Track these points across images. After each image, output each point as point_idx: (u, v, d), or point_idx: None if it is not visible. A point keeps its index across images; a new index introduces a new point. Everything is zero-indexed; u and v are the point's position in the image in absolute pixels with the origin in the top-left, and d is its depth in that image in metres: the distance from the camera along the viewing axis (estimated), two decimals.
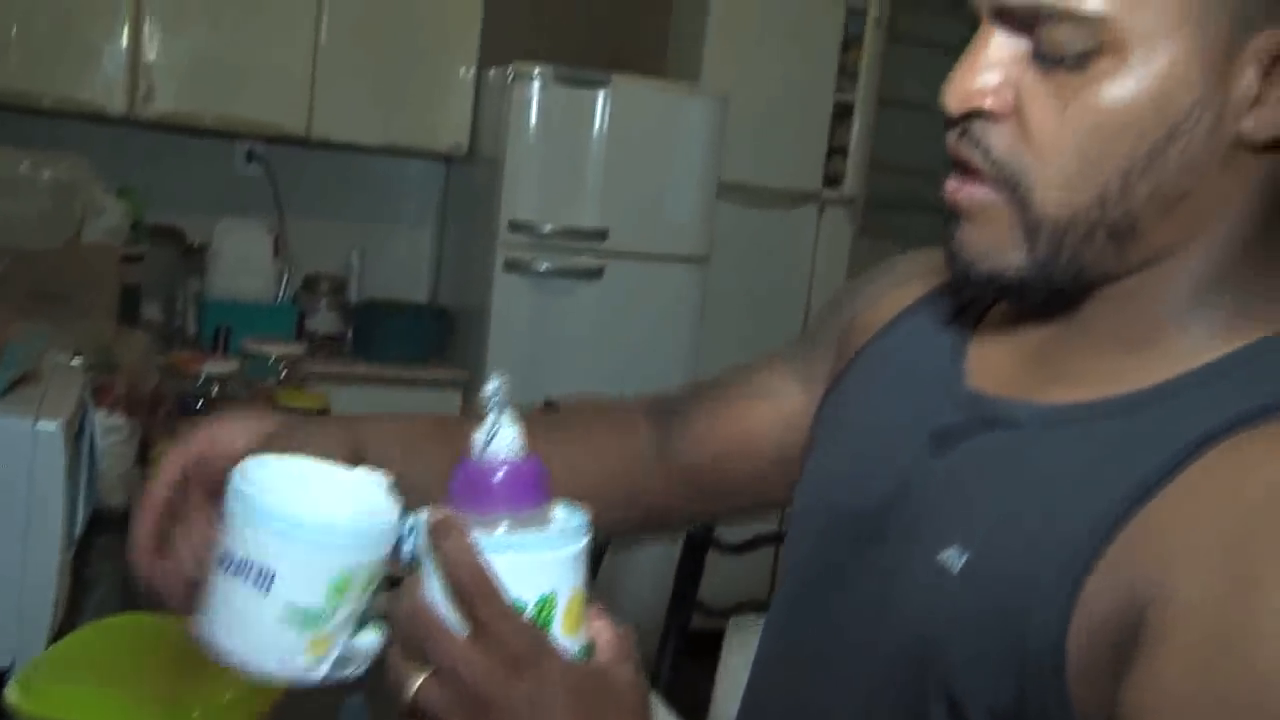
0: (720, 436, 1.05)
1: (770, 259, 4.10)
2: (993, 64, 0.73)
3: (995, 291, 0.78)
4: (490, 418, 0.68)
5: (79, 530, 1.59)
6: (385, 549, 0.70)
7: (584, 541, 0.69)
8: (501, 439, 0.68)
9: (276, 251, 3.68)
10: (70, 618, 1.46)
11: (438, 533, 0.66)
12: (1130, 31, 0.69)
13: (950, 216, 0.78)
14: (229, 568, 0.68)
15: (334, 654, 0.69)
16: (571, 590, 0.69)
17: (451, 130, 3.75)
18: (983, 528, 0.77)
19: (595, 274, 3.54)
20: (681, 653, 2.01)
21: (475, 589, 0.65)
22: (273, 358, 2.41)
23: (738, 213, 3.97)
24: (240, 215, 3.72)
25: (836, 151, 4.20)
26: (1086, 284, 0.77)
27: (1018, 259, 0.75)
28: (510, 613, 0.65)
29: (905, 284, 0.98)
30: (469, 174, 3.88)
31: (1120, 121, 0.70)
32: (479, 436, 0.68)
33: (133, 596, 1.78)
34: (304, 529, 0.67)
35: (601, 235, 3.52)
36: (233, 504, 0.69)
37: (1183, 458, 0.70)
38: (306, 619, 0.68)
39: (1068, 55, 0.70)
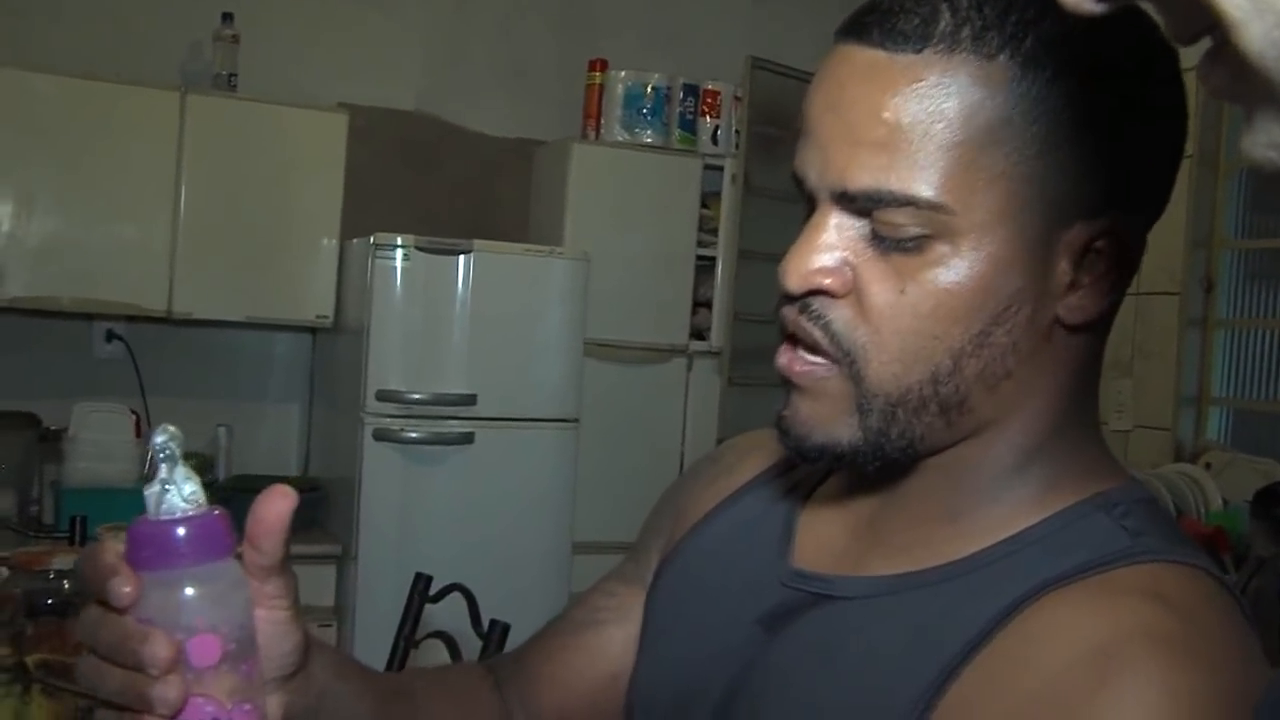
0: (576, 675, 1.01)
1: (642, 414, 4.13)
2: (831, 245, 0.75)
3: (829, 462, 0.79)
4: (162, 471, 0.65)
5: None
6: None
7: None
8: (177, 492, 0.65)
9: (138, 433, 3.60)
10: None
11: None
12: (962, 220, 0.72)
13: (784, 389, 0.79)
14: None
15: None
16: None
17: (316, 302, 3.73)
18: (819, 704, 0.77)
19: (465, 440, 3.53)
20: None
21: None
22: None
23: (607, 370, 4.00)
24: (101, 397, 3.63)
25: (701, 304, 4.28)
26: (916, 455, 0.78)
27: (850, 431, 0.77)
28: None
29: (731, 471, 0.99)
30: (335, 345, 3.86)
31: (954, 304, 0.73)
32: (153, 490, 0.65)
33: None
34: None
35: (470, 401, 3.52)
36: None
37: (992, 626, 0.72)
38: None
39: (904, 238, 0.73)
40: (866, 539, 0.83)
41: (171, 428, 0.65)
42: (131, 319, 3.75)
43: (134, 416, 3.60)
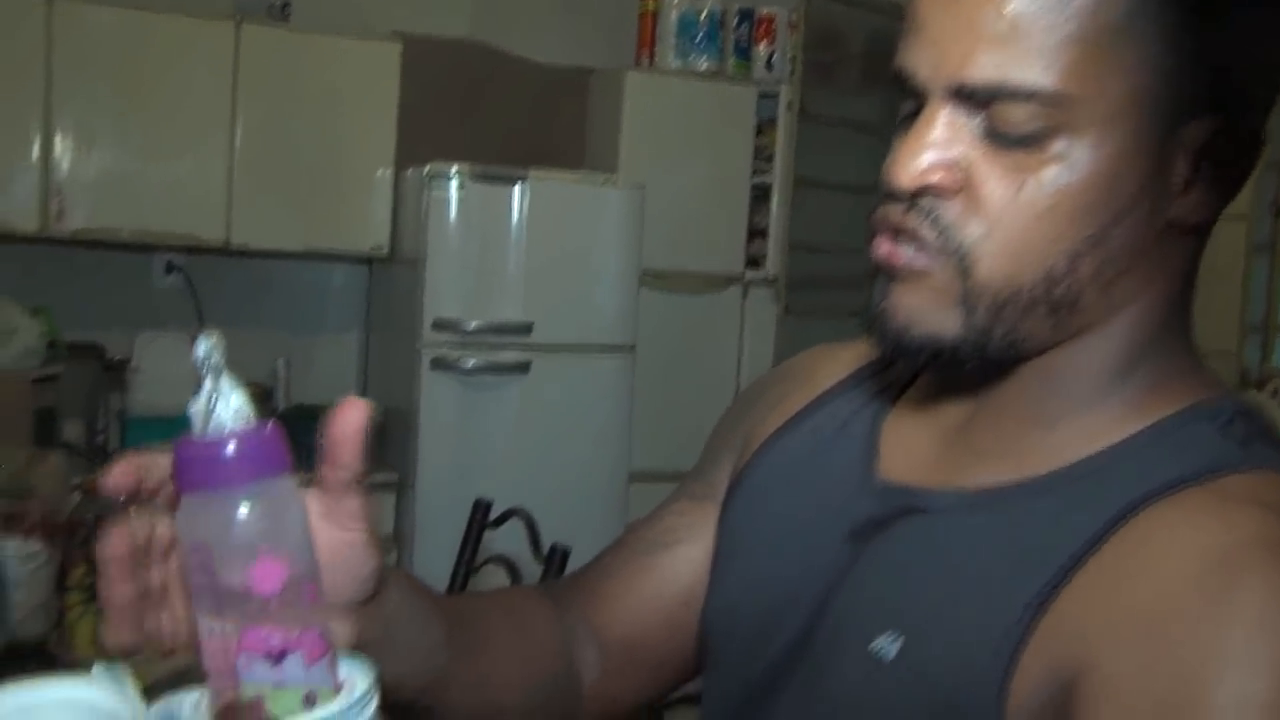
0: (647, 597, 0.99)
1: (697, 343, 4.12)
2: (943, 141, 0.73)
3: (926, 359, 0.77)
4: (207, 384, 0.60)
5: None
6: None
7: (375, 702, 0.63)
8: (225, 406, 0.60)
9: None
10: None
11: None
12: (1084, 115, 0.70)
13: (880, 280, 0.77)
14: None
15: None
16: None
17: (371, 232, 3.74)
18: (914, 613, 0.76)
19: (522, 369, 3.53)
20: None
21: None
22: None
23: (662, 299, 3.99)
24: (161, 328, 3.67)
25: (757, 233, 4.25)
26: (1017, 356, 0.77)
27: (954, 325, 0.74)
28: None
29: (803, 385, 0.97)
30: (391, 275, 3.87)
31: (1073, 202, 0.71)
32: (198, 408, 0.60)
33: None
34: None
35: (526, 329, 3.52)
36: None
37: (1104, 532, 0.70)
38: None
39: (1023, 134, 0.70)
40: (958, 447, 0.82)
41: (214, 335, 0.60)
42: (190, 250, 3.77)
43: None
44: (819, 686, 0.81)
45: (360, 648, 0.73)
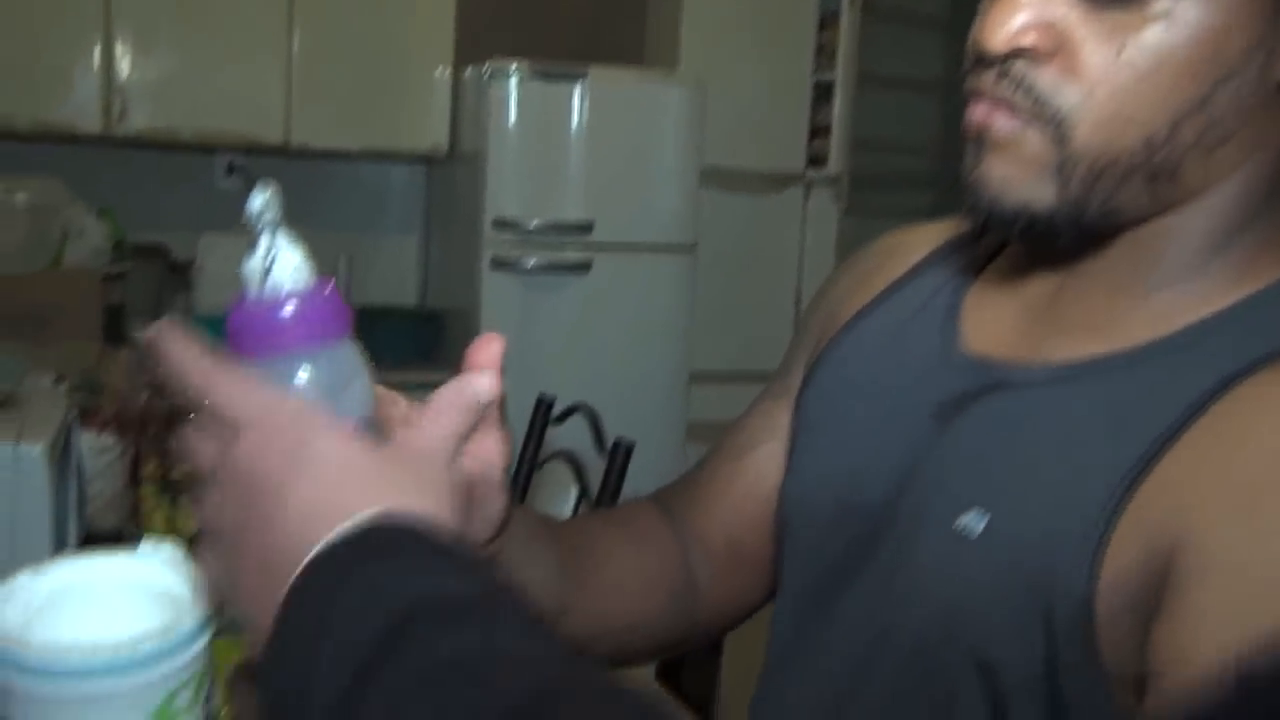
0: (741, 499, 1.00)
1: (758, 243, 4.08)
2: (1034, 1, 0.70)
3: (1020, 229, 0.74)
4: (263, 241, 0.56)
5: (70, 554, 1.57)
6: (200, 648, 0.58)
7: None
8: (283, 265, 0.56)
9: None
10: None
11: (154, 347, 0.56)
12: None
13: (972, 148, 0.74)
14: None
15: None
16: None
17: (431, 131, 3.73)
18: (1000, 489, 0.75)
19: (583, 268, 3.52)
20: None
21: (195, 375, 0.56)
22: None
23: (723, 198, 3.95)
24: (224, 229, 3.69)
25: (819, 132, 4.18)
26: (1113, 225, 0.74)
27: (1048, 194, 0.72)
28: (231, 376, 0.56)
29: (883, 266, 0.96)
30: (451, 175, 3.86)
31: (1176, 63, 0.68)
32: (254, 265, 0.56)
33: None
34: (92, 675, 0.54)
35: (587, 228, 3.50)
36: (6, 681, 0.55)
37: (1202, 403, 0.68)
38: None
39: None
40: (1045, 321, 0.80)
41: (271, 187, 0.56)
42: (250, 151, 3.78)
43: None
44: (902, 564, 0.80)
45: None
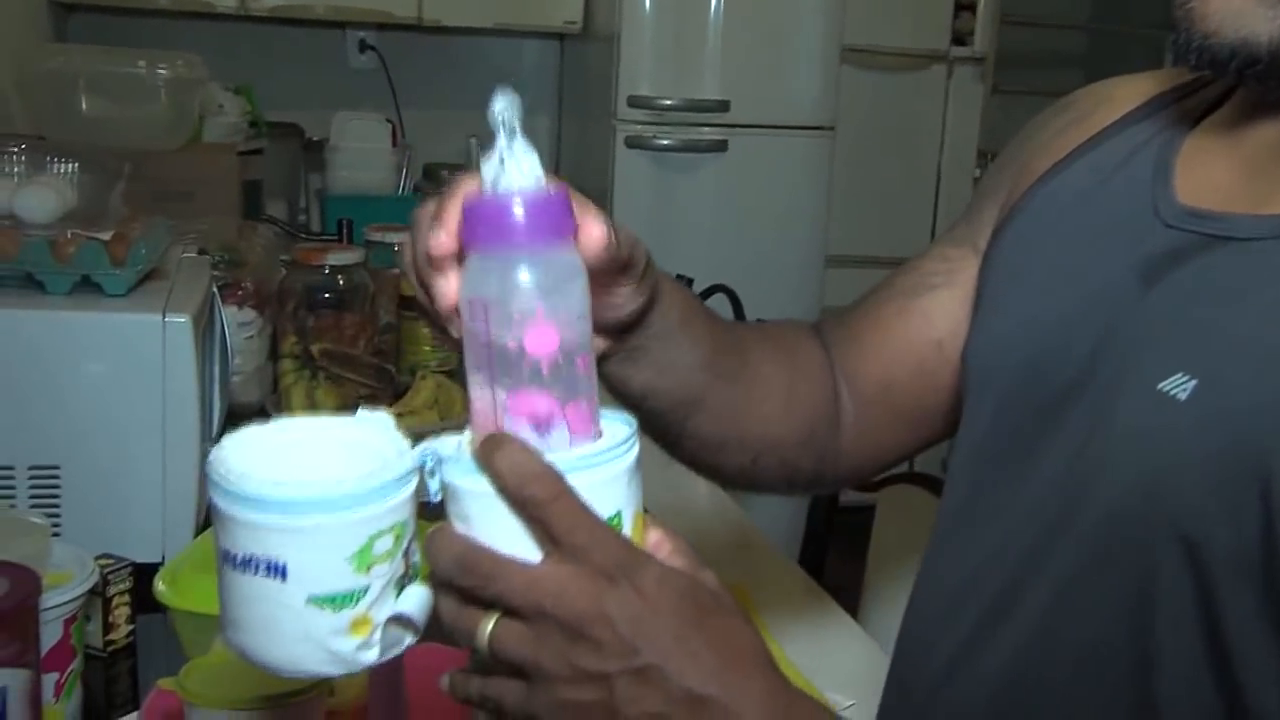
0: (902, 340, 0.96)
1: (898, 124, 3.95)
2: None
3: (1238, 65, 0.67)
4: (500, 142, 0.60)
5: (216, 427, 1.58)
6: (405, 499, 0.60)
7: (636, 450, 0.62)
8: (517, 166, 0.60)
9: (395, 142, 3.65)
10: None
11: (486, 449, 0.58)
12: None
13: None
14: (234, 565, 0.59)
15: (379, 630, 0.60)
16: (635, 506, 0.62)
17: (564, 7, 3.65)
18: (1212, 352, 0.69)
19: (719, 147, 3.44)
20: (826, 531, 1.95)
21: (549, 498, 0.57)
22: (397, 245, 2.37)
23: (863, 77, 3.83)
24: (357, 107, 3.68)
25: (963, 8, 4.01)
26: None
27: (1271, 27, 0.65)
28: (592, 519, 0.58)
29: (1087, 116, 0.89)
30: (585, 52, 3.79)
31: None
32: (489, 166, 0.60)
33: None
34: (302, 509, 0.57)
35: (723, 107, 3.41)
36: (215, 498, 0.59)
37: None
38: (337, 603, 0.59)
39: None
40: (1270, 174, 0.73)
41: (511, 93, 0.60)
42: (383, 28, 3.75)
43: (390, 125, 3.64)
44: (1100, 426, 0.75)
45: (614, 353, 0.75)
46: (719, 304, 2.41)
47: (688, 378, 0.85)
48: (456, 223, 0.63)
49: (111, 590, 1.20)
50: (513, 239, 0.59)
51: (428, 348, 2.17)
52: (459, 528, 0.61)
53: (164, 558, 1.31)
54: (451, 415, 1.84)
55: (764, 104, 3.46)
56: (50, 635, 1.02)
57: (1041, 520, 0.78)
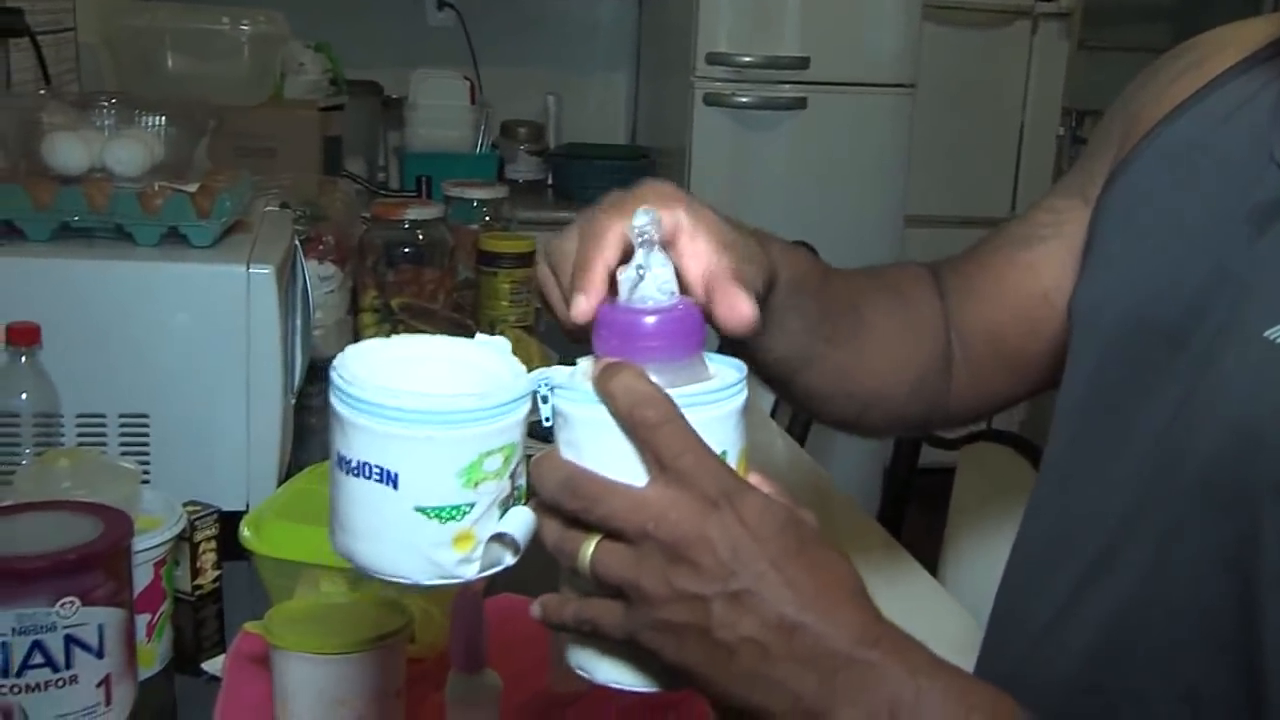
0: (1010, 289, 0.96)
1: (982, 82, 3.89)
2: None
3: None
4: (639, 255, 0.62)
5: (298, 379, 1.60)
6: (516, 421, 0.62)
7: (745, 395, 0.63)
8: (653, 279, 0.62)
9: (473, 100, 3.65)
10: (296, 463, 1.47)
11: (606, 375, 0.60)
12: None
13: None
14: (348, 470, 0.61)
15: (481, 546, 0.62)
16: (741, 448, 0.63)
17: None
18: None
19: (797, 105, 3.40)
20: (905, 491, 1.94)
21: (660, 421, 0.59)
22: (476, 201, 2.38)
23: (945, 33, 3.77)
24: (435, 65, 3.69)
25: None
26: None
27: None
28: (700, 444, 0.59)
29: (1202, 63, 0.87)
30: (663, 7, 3.76)
31: None
32: (627, 276, 0.63)
33: None
34: (417, 420, 0.59)
35: (803, 64, 3.37)
36: (336, 402, 0.61)
37: None
38: (443, 516, 0.61)
39: None
40: None
41: (653, 210, 0.62)
42: None
43: (468, 83, 3.65)
44: (1205, 373, 0.74)
45: None
46: None
47: (797, 340, 0.87)
48: (597, 292, 0.65)
49: (199, 536, 1.22)
50: (642, 352, 0.62)
51: (505, 303, 2.18)
52: (566, 454, 0.62)
53: (248, 506, 1.33)
54: (530, 369, 1.85)
55: (844, 61, 3.42)
56: (142, 577, 1.04)
57: (1143, 473, 0.77)
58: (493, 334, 0.69)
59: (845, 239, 3.14)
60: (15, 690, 0.89)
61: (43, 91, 2.11)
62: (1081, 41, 4.00)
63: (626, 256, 0.65)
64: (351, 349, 0.64)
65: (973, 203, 3.86)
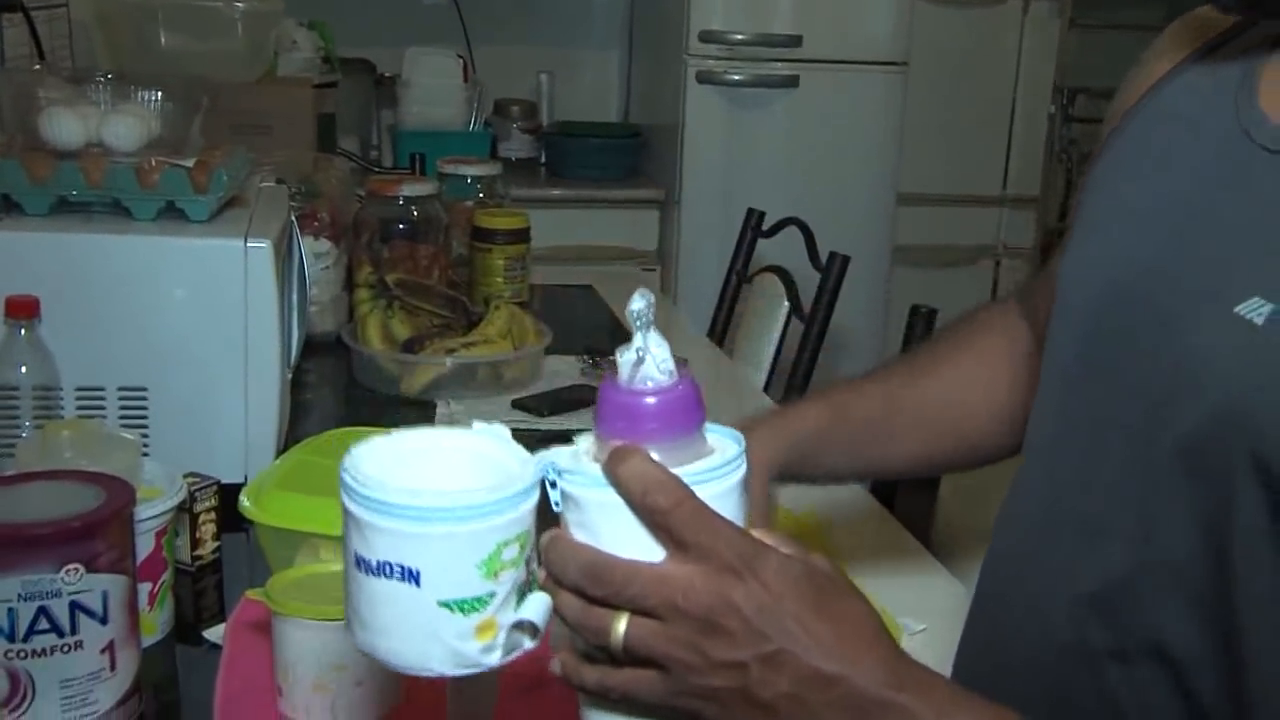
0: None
1: (973, 60, 3.89)
2: None
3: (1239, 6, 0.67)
4: (638, 337, 0.64)
5: (294, 353, 1.61)
6: (529, 509, 0.63)
7: (745, 467, 0.65)
8: (653, 360, 0.63)
9: (466, 78, 3.65)
10: (293, 435, 1.48)
11: (615, 460, 0.61)
12: None
13: None
14: (368, 570, 0.62)
15: (504, 633, 0.64)
16: (743, 515, 0.65)
17: None
18: None
19: (790, 83, 3.41)
20: None
21: (674, 504, 0.61)
22: (470, 177, 2.38)
23: (937, 12, 3.77)
24: (428, 44, 3.69)
25: None
26: None
27: None
28: (714, 517, 0.62)
29: (1159, 55, 0.88)
30: None
31: None
32: (626, 358, 0.64)
33: (348, 415, 1.81)
34: (437, 517, 0.61)
35: (795, 42, 3.38)
36: (352, 505, 0.62)
37: None
38: (466, 608, 0.62)
39: None
40: None
41: (650, 294, 0.64)
42: None
43: (461, 61, 3.65)
44: (1182, 345, 0.75)
45: None
46: (791, 236, 2.39)
47: (850, 475, 1.01)
48: None
49: (199, 507, 1.23)
50: (644, 433, 0.63)
51: (500, 278, 2.19)
52: (579, 535, 0.64)
53: (246, 478, 1.34)
54: (524, 344, 1.86)
55: (836, 39, 3.42)
56: (143, 546, 1.06)
57: (1127, 443, 0.79)
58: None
59: (837, 216, 3.16)
60: (21, 655, 0.90)
61: (38, 67, 2.11)
62: (1073, 20, 4.00)
63: None
64: (357, 449, 0.65)
65: (964, 181, 3.87)
